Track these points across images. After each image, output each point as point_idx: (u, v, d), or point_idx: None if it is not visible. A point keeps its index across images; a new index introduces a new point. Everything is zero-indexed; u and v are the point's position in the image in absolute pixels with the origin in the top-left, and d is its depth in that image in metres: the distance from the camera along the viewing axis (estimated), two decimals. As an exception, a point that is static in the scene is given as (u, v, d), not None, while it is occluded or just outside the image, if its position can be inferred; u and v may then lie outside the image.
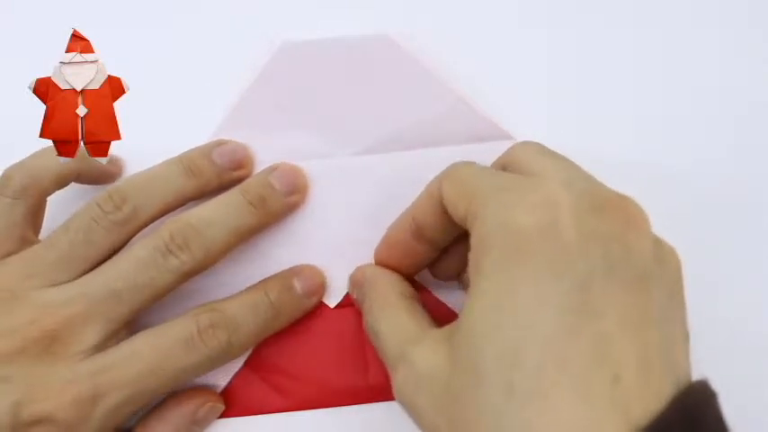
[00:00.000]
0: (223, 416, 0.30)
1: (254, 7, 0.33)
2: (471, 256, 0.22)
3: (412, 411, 0.23)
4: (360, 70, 0.31)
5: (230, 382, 0.30)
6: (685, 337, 0.23)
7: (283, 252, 0.30)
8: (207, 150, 0.30)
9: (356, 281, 0.29)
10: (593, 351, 0.20)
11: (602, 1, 0.32)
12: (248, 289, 0.29)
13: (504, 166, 0.26)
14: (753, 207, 0.31)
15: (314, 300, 0.30)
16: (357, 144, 0.31)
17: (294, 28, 0.32)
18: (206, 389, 0.30)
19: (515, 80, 0.32)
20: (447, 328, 0.24)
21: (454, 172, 0.25)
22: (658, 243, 0.23)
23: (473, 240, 0.22)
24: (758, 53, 0.32)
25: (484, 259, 0.21)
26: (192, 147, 0.30)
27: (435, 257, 0.28)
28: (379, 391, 0.29)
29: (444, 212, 0.25)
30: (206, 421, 0.29)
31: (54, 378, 0.26)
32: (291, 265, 0.30)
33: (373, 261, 0.29)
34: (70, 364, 0.26)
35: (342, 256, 0.30)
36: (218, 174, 0.29)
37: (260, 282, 0.30)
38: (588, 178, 0.24)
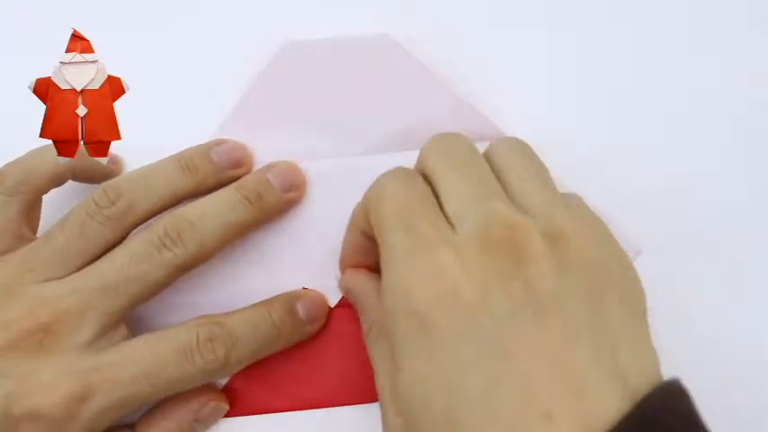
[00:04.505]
0: (223, 416, 0.30)
1: (255, 7, 0.33)
2: (387, 320, 0.23)
3: None
4: (360, 70, 0.31)
5: (230, 382, 0.30)
6: (632, 336, 0.21)
7: (284, 252, 0.30)
8: (205, 149, 0.30)
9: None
10: (520, 395, 0.20)
11: (602, 1, 0.32)
12: (252, 306, 0.29)
13: (422, 174, 0.25)
14: (753, 207, 0.31)
15: (316, 326, 0.30)
16: (358, 144, 0.31)
17: (295, 28, 0.32)
18: (212, 387, 0.30)
19: (515, 80, 0.32)
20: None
21: (376, 205, 0.24)
22: (554, 240, 0.22)
23: (384, 304, 0.23)
24: (758, 53, 0.32)
25: (395, 333, 0.22)
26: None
27: None
28: (380, 391, 0.29)
29: None
30: (209, 420, 0.29)
31: (46, 373, 0.26)
32: (291, 265, 0.30)
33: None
34: (63, 359, 0.26)
35: (342, 256, 0.30)
36: (215, 172, 0.29)
37: (264, 300, 0.29)
38: (485, 195, 0.23)
